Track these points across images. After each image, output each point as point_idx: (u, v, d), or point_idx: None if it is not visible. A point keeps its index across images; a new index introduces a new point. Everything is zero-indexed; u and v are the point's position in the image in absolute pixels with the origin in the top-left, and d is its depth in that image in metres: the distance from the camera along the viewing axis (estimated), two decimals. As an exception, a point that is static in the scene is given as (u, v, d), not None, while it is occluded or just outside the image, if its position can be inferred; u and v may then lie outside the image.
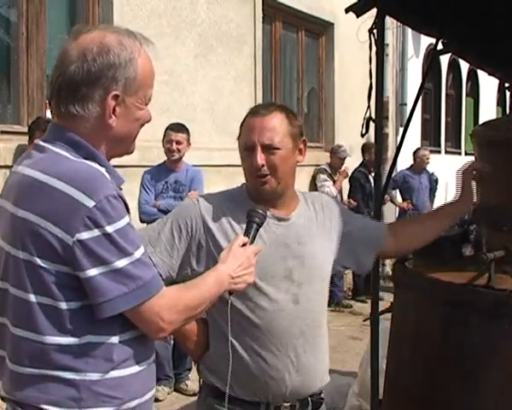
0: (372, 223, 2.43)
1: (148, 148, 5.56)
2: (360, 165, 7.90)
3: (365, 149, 7.83)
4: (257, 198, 1.99)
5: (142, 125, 1.60)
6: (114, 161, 1.59)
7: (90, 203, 1.39)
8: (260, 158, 1.93)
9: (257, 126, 1.95)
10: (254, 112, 2.00)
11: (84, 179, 1.42)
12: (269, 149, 1.94)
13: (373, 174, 7.86)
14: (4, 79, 4.90)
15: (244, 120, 2.03)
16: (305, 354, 1.99)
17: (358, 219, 2.31)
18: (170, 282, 1.85)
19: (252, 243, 1.79)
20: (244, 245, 1.75)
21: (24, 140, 4.45)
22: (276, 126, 1.95)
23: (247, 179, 2.03)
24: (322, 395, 2.13)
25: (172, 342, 4.79)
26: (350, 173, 7.79)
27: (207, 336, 2.00)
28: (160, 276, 1.73)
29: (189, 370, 4.90)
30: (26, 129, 4.60)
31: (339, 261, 2.15)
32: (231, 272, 1.67)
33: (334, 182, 7.55)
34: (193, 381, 4.77)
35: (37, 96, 4.94)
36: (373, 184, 7.72)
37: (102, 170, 1.48)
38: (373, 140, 3.18)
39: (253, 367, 1.93)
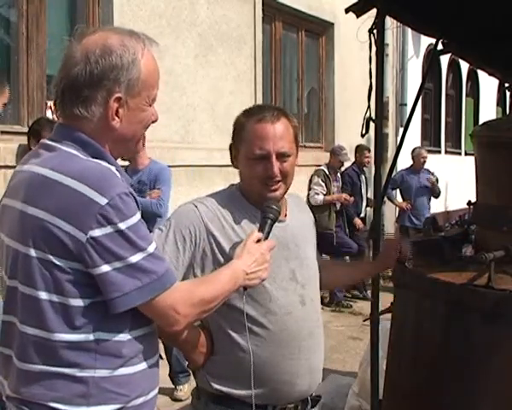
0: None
1: (149, 148, 5.56)
2: (352, 164, 7.94)
3: (358, 149, 7.91)
4: (257, 201, 1.96)
5: (148, 125, 1.60)
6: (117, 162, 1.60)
7: (103, 201, 1.40)
8: (277, 167, 1.92)
9: (270, 135, 1.91)
10: (260, 119, 1.93)
11: (96, 177, 1.43)
12: (282, 156, 1.93)
13: (363, 176, 7.94)
14: (4, 79, 4.90)
15: (244, 124, 1.96)
16: (314, 355, 2.01)
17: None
18: None
19: (266, 238, 1.79)
20: (259, 241, 1.75)
21: (24, 140, 4.44)
22: (287, 134, 1.95)
23: (247, 184, 1.99)
24: (318, 393, 2.14)
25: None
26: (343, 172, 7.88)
27: (211, 343, 1.96)
28: None
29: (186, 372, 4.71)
30: (26, 129, 4.60)
31: None
32: (246, 267, 1.68)
33: (327, 187, 7.48)
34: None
35: (37, 97, 4.94)
36: (363, 185, 7.87)
37: (112, 168, 1.50)
38: (373, 140, 3.18)
39: (265, 372, 1.91)
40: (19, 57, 4.87)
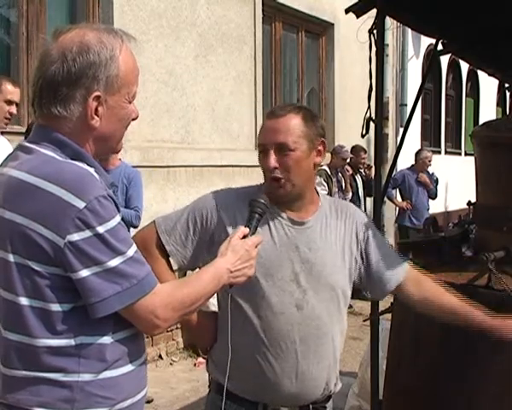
0: (394, 256, 2.18)
1: (149, 148, 5.57)
2: (347, 165, 7.96)
3: (353, 150, 7.92)
4: (273, 200, 1.95)
5: (128, 123, 1.56)
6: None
7: (81, 204, 1.37)
8: (273, 159, 1.91)
9: (270, 128, 1.94)
10: (270, 113, 2.00)
11: (73, 180, 1.39)
12: (282, 150, 1.91)
13: (358, 176, 7.96)
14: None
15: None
16: (306, 361, 1.95)
17: (383, 246, 2.13)
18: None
19: (253, 234, 1.75)
20: (245, 237, 1.71)
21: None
22: (290, 128, 1.92)
23: (265, 180, 2.01)
24: (328, 405, 2.08)
25: None
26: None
27: (216, 329, 2.00)
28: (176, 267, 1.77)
29: None
30: (26, 129, 4.60)
31: (356, 278, 2.09)
32: (230, 266, 1.64)
33: (329, 187, 7.54)
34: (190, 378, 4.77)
35: (38, 97, 4.94)
36: (359, 184, 7.89)
37: (91, 170, 1.45)
38: (373, 140, 3.18)
39: (253, 368, 1.92)
40: (19, 57, 4.87)
